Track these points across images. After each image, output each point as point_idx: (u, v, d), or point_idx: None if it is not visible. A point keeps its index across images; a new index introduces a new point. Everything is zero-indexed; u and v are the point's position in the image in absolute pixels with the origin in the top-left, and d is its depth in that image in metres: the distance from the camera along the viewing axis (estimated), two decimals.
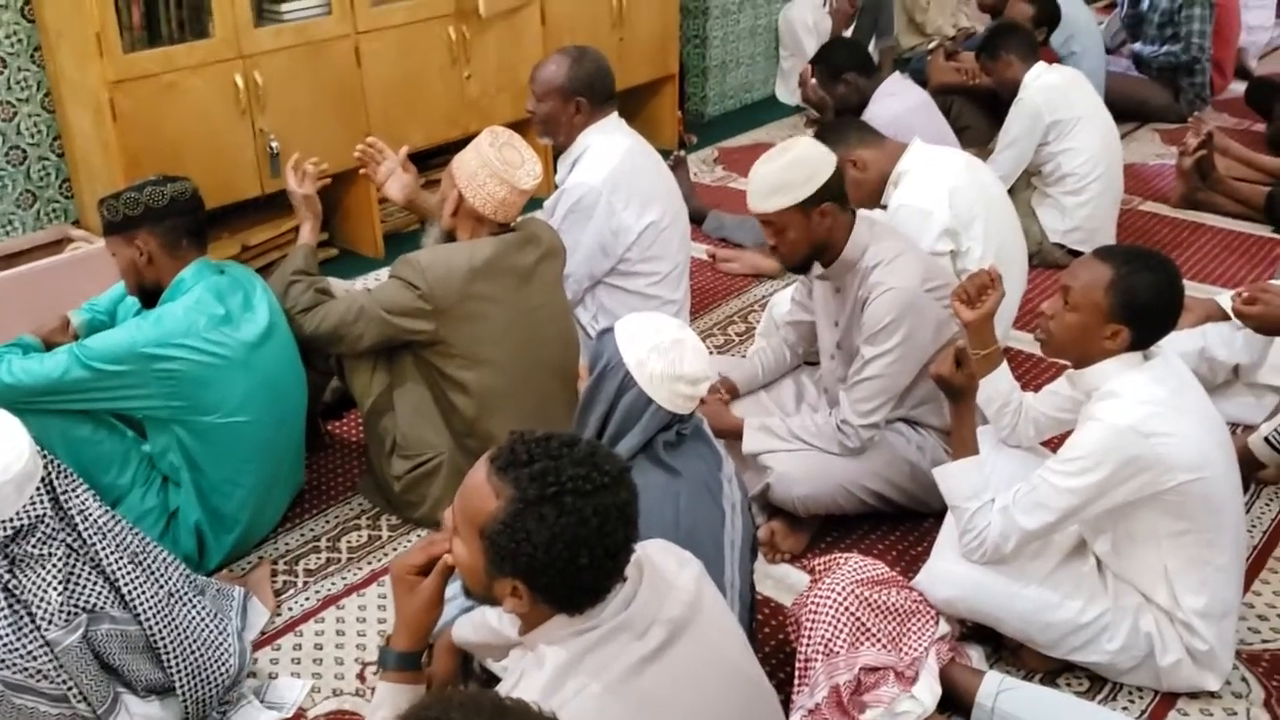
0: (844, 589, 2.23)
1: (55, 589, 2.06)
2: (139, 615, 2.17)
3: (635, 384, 2.05)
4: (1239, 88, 6.16)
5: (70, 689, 2.08)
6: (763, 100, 6.49)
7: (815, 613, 2.22)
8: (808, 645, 2.21)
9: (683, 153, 4.97)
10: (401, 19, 4.30)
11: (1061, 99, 4.20)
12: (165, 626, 2.19)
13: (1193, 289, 2.52)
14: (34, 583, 2.05)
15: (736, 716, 1.67)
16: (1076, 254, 3.86)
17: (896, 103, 4.09)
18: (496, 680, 2.07)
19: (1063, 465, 2.21)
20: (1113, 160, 4.26)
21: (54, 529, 2.08)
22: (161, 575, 2.24)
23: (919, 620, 2.27)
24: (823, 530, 2.85)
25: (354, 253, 4.53)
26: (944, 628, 2.31)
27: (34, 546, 2.05)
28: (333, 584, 2.74)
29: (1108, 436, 2.16)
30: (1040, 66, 4.28)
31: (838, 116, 4.15)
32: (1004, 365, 2.60)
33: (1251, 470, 2.94)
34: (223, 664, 2.29)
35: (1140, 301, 2.20)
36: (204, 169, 3.57)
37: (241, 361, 2.60)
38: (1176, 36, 5.78)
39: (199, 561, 2.68)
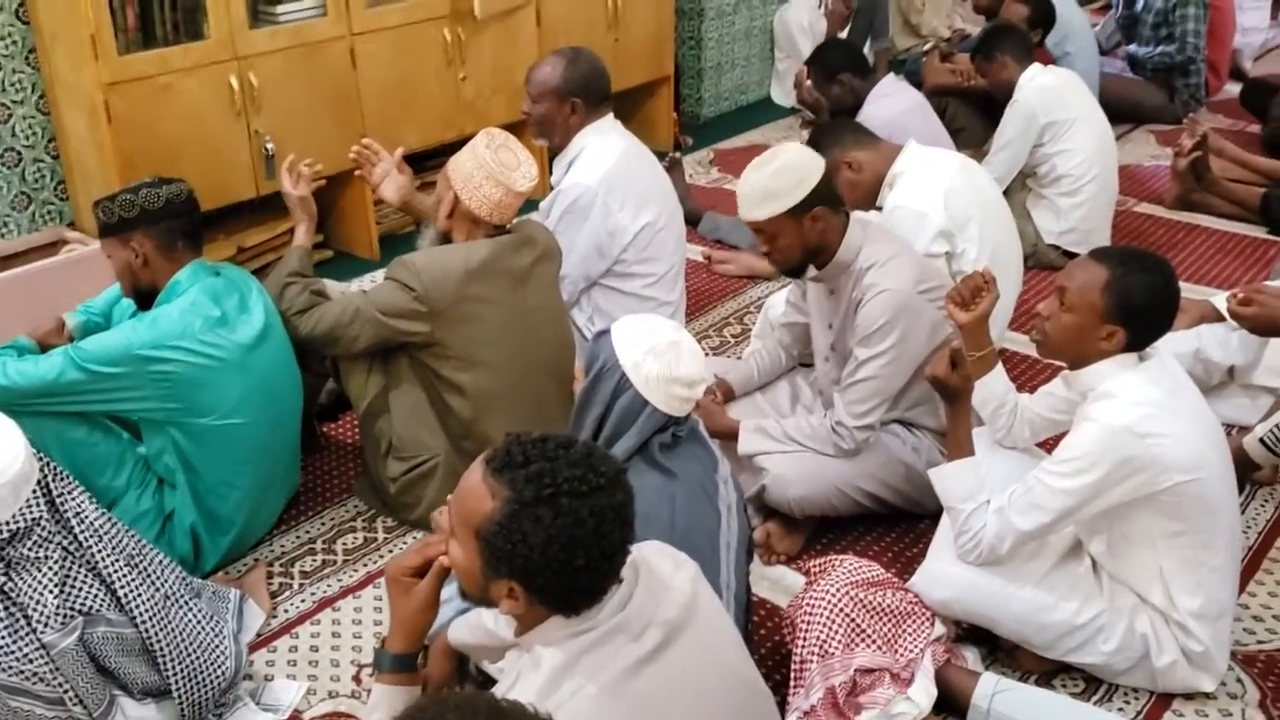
0: (839, 590, 2.24)
1: (51, 592, 2.06)
2: (135, 618, 2.16)
3: (631, 386, 2.05)
4: (1234, 89, 6.17)
5: (66, 692, 2.08)
6: (758, 102, 6.49)
7: (810, 614, 2.23)
8: (803, 647, 2.21)
9: (678, 154, 4.98)
10: (396, 21, 4.30)
11: (1056, 100, 4.20)
12: (161, 629, 2.19)
13: (1188, 290, 2.52)
14: (30, 586, 2.05)
15: (732, 718, 1.67)
16: (1072, 255, 3.87)
17: (892, 104, 4.10)
18: (493, 682, 2.07)
19: (1058, 466, 2.21)
20: (1108, 162, 4.27)
21: (50, 532, 2.07)
22: (157, 578, 2.24)
23: (914, 622, 2.28)
24: (818, 532, 2.86)
25: (349, 254, 4.52)
26: (940, 629, 2.31)
27: (30, 549, 2.05)
28: (328, 586, 2.74)
29: (1103, 437, 2.16)
30: (1035, 68, 4.28)
31: (833, 118, 4.16)
32: (999, 367, 2.60)
33: (1246, 471, 2.95)
34: (219, 666, 2.29)
35: (1136, 303, 2.20)
36: (199, 171, 3.56)
37: (237, 363, 2.60)
38: (1171, 37, 5.80)
39: (194, 564, 2.68)
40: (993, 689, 2.24)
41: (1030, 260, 4.06)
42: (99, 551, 2.13)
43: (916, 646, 2.25)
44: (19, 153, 3.88)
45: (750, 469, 2.78)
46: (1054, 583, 2.31)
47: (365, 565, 2.80)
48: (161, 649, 2.20)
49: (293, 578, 2.77)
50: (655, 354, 2.05)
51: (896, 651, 2.23)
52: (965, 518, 2.31)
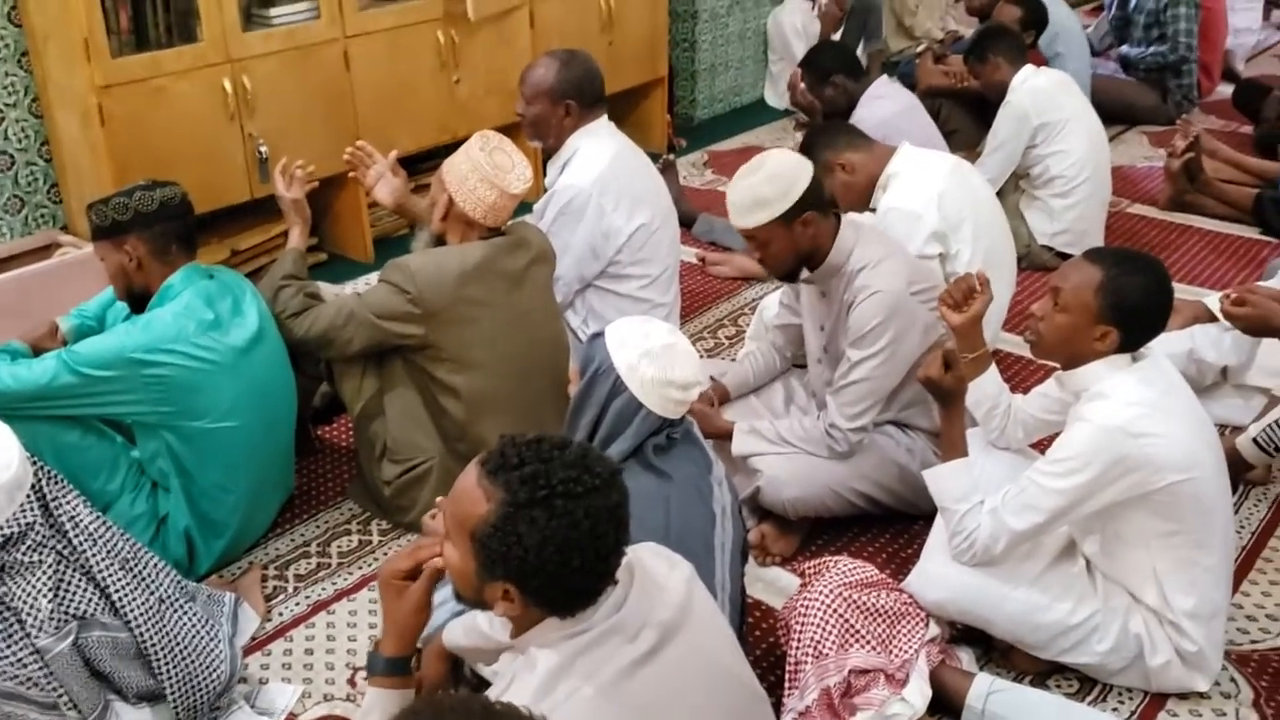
0: (832, 591, 2.24)
1: (45, 596, 2.05)
2: (129, 622, 2.16)
3: (626, 389, 2.06)
4: (1226, 90, 6.18)
5: (60, 696, 2.08)
6: (752, 104, 6.50)
7: (804, 615, 2.23)
8: (797, 648, 2.21)
9: (672, 156, 4.97)
10: (390, 23, 4.30)
11: (1049, 101, 4.21)
12: (156, 633, 2.19)
13: (1181, 291, 2.53)
14: (24, 590, 2.04)
15: (727, 719, 1.67)
16: (1065, 256, 3.87)
17: (885, 106, 4.10)
18: (487, 685, 2.07)
19: (1051, 466, 2.22)
20: (1100, 162, 4.28)
21: (44, 536, 2.07)
22: (152, 581, 2.24)
23: (909, 622, 2.28)
24: (813, 533, 2.86)
25: (343, 257, 4.52)
26: (934, 630, 2.31)
27: (24, 554, 2.04)
28: (323, 589, 2.74)
29: (1096, 437, 2.17)
30: (1028, 69, 4.29)
31: (826, 120, 4.16)
32: (993, 368, 2.60)
33: (1240, 471, 2.95)
34: (213, 670, 2.28)
35: (1130, 303, 2.20)
36: (193, 174, 3.55)
37: (231, 366, 2.60)
38: (1163, 37, 5.81)
39: (189, 567, 2.67)
40: (987, 689, 2.25)
41: (1024, 261, 4.07)
42: (93, 556, 2.12)
43: (911, 647, 2.25)
44: (11, 156, 3.88)
45: (745, 471, 2.79)
46: (1048, 583, 2.32)
47: (360, 568, 2.80)
48: (156, 653, 2.19)
49: (287, 581, 2.77)
50: (650, 357, 2.05)
51: (891, 652, 2.24)
52: (960, 518, 2.31)
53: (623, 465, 2.02)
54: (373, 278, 3.85)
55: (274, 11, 3.99)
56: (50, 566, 2.07)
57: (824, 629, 2.20)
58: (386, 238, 4.60)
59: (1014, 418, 2.61)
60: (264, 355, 2.70)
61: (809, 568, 2.37)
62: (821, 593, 2.24)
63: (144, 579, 2.21)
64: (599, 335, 2.13)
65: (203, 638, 2.29)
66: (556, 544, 1.48)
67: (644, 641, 1.56)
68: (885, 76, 4.39)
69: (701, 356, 3.39)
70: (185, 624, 2.27)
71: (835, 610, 2.22)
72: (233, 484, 2.67)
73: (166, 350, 2.51)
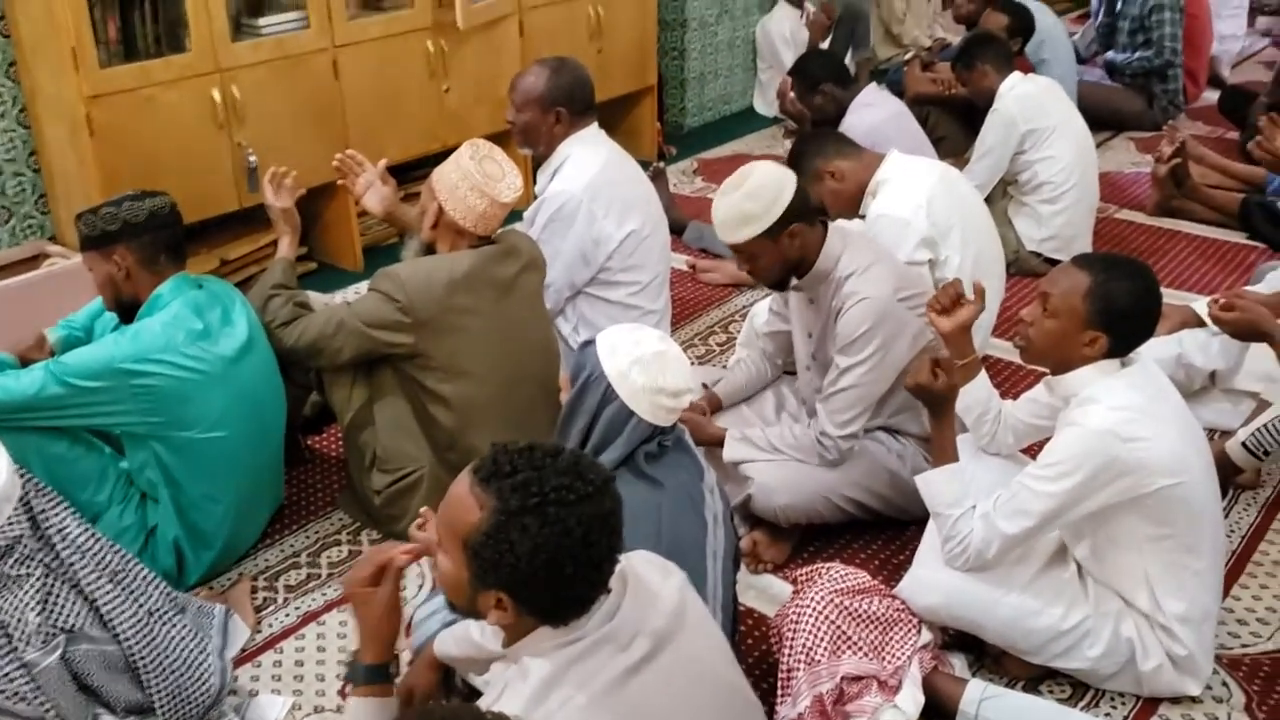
0: (824, 598, 2.24)
1: (33, 610, 2.04)
2: (118, 634, 2.15)
3: (617, 396, 2.05)
4: (1212, 96, 6.21)
5: (48, 711, 2.07)
6: (741, 112, 6.51)
7: (796, 622, 2.23)
8: (789, 655, 2.21)
9: (662, 164, 4.99)
10: (379, 32, 4.30)
11: (1036, 108, 4.23)
12: (145, 645, 2.18)
13: (1169, 296, 2.53)
14: (11, 604, 2.03)
15: None
16: (1053, 262, 3.88)
17: (874, 113, 4.11)
18: (478, 695, 2.06)
19: (1042, 470, 2.22)
20: (1088, 168, 4.29)
21: (32, 549, 2.06)
22: (141, 593, 2.23)
23: (901, 629, 2.28)
24: (805, 540, 2.86)
25: (333, 266, 4.51)
26: (926, 636, 2.31)
27: (11, 568, 2.03)
28: (313, 600, 2.73)
29: (1086, 440, 2.17)
30: (1015, 76, 4.31)
31: (815, 128, 4.17)
32: (982, 374, 2.61)
33: (1229, 475, 2.96)
34: (203, 683, 2.27)
35: (1118, 308, 2.21)
36: (182, 183, 3.54)
37: (220, 376, 2.59)
38: (1149, 42, 5.84)
39: (178, 578, 2.66)
40: (980, 695, 2.24)
41: (1012, 267, 4.08)
42: (81, 568, 2.11)
43: (903, 653, 2.25)
44: None
45: (736, 478, 2.78)
46: (1040, 588, 2.32)
47: None
48: (145, 666, 2.18)
49: (277, 592, 2.76)
50: (641, 364, 2.05)
51: (883, 659, 2.23)
52: (952, 523, 2.31)
53: (614, 473, 2.02)
54: (362, 286, 3.84)
55: (263, 21, 3.99)
56: (38, 579, 2.06)
57: (816, 636, 2.20)
58: (376, 246, 4.59)
59: (1004, 423, 2.62)
60: (253, 365, 2.69)
61: (801, 575, 2.36)
62: (813, 600, 2.24)
63: (133, 591, 2.20)
64: (590, 343, 2.13)
65: (192, 650, 2.28)
66: (549, 552, 1.47)
67: (637, 650, 1.56)
68: (874, 84, 4.40)
69: (692, 363, 3.39)
70: (174, 636, 2.25)
71: (827, 617, 2.22)
72: (222, 494, 2.66)
73: (155, 360, 2.50)
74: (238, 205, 4.02)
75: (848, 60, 6.12)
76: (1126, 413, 2.17)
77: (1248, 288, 3.49)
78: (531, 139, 3.33)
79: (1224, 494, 2.64)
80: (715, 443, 2.81)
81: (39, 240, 3.94)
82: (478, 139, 2.80)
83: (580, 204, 3.21)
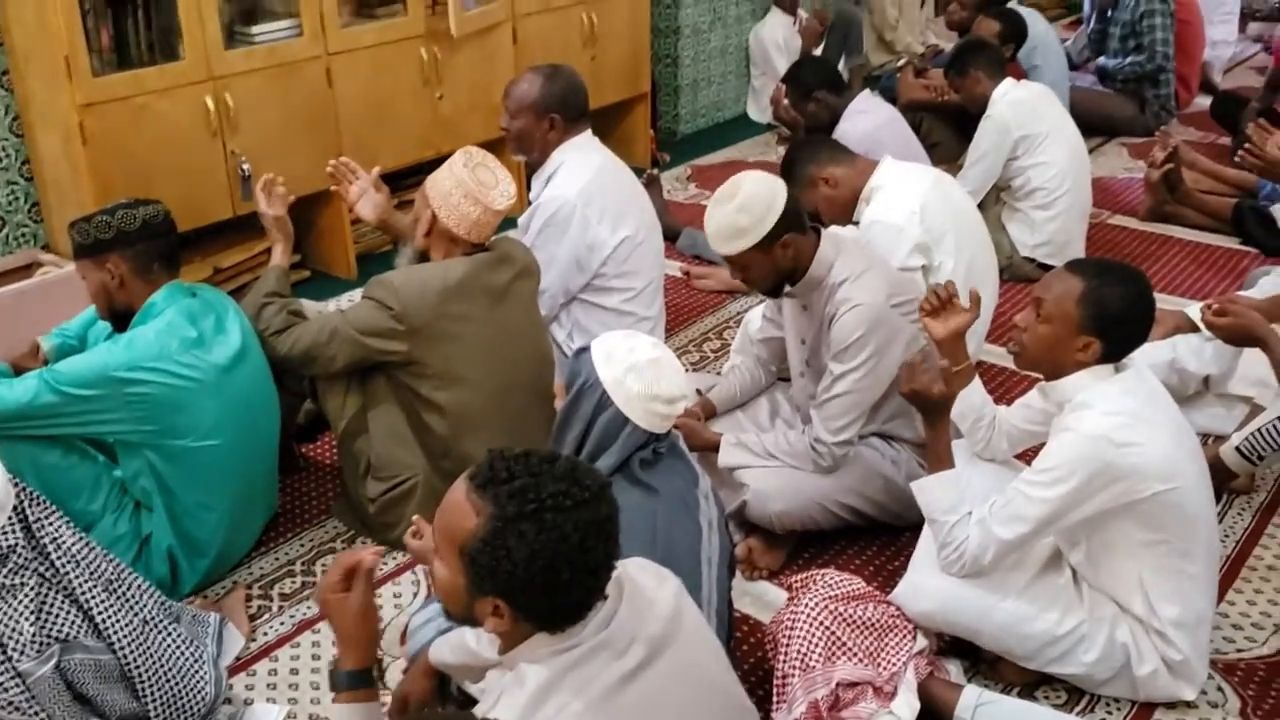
0: (818, 605, 2.24)
1: (27, 619, 2.04)
2: (113, 644, 2.14)
3: (612, 403, 2.05)
4: (1204, 102, 6.24)
5: None
6: (734, 118, 6.53)
7: (790, 629, 2.23)
8: (784, 662, 2.21)
9: (656, 171, 4.99)
10: (373, 40, 4.30)
11: (1029, 114, 4.24)
12: (140, 655, 2.17)
13: (1162, 301, 2.54)
14: (5, 614, 2.03)
15: None
16: (1047, 267, 3.90)
17: (867, 120, 4.12)
18: (474, 703, 2.06)
19: (1037, 476, 2.22)
20: (1080, 174, 4.30)
21: (26, 559, 2.05)
22: (136, 603, 2.22)
23: (896, 635, 2.28)
24: (800, 546, 2.86)
25: (327, 274, 4.51)
26: (922, 642, 2.31)
27: (5, 577, 2.03)
28: (308, 608, 2.72)
29: (1081, 446, 2.18)
30: (1008, 82, 4.32)
31: (809, 134, 4.18)
32: (976, 380, 2.61)
33: (1223, 480, 2.97)
34: (198, 691, 2.27)
35: (1111, 313, 2.22)
36: (175, 192, 3.55)
37: (214, 384, 2.58)
38: (1140, 47, 5.86)
39: (172, 587, 2.65)
40: (975, 701, 2.24)
41: (1005, 273, 4.09)
42: (76, 577, 2.11)
43: (898, 659, 2.25)
44: None
45: (731, 484, 2.78)
46: (1035, 594, 2.32)
47: None
48: (140, 675, 2.17)
49: (272, 600, 2.75)
50: (636, 371, 2.05)
51: (878, 665, 2.23)
52: (948, 530, 2.31)
53: (609, 480, 2.02)
54: (356, 294, 3.84)
55: (256, 29, 3.99)
56: (32, 589, 2.06)
57: (810, 642, 2.20)
58: (370, 254, 4.59)
59: (998, 429, 2.62)
60: (247, 373, 2.69)
61: (796, 581, 2.36)
62: (808, 606, 2.24)
63: (127, 600, 2.20)
64: (585, 350, 2.13)
65: (187, 659, 2.27)
66: (546, 558, 1.47)
67: (633, 656, 1.56)
68: (867, 91, 4.42)
69: (687, 370, 3.39)
70: (169, 645, 2.25)
71: (821, 623, 2.22)
72: (216, 503, 2.65)
73: (149, 369, 2.49)
74: (231, 213, 4.02)
75: (841, 67, 6.13)
76: (1120, 418, 2.18)
77: (1240, 293, 3.50)
78: (526, 146, 3.34)
79: (1218, 499, 2.64)
80: (710, 448, 2.81)
81: (32, 249, 3.94)
82: (471, 146, 2.80)
83: (574, 210, 3.21)
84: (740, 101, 6.57)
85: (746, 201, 2.59)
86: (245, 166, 3.93)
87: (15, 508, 2.05)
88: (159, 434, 2.54)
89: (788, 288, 2.77)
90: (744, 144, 6.10)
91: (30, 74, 3.68)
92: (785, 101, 4.33)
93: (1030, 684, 2.42)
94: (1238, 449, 2.96)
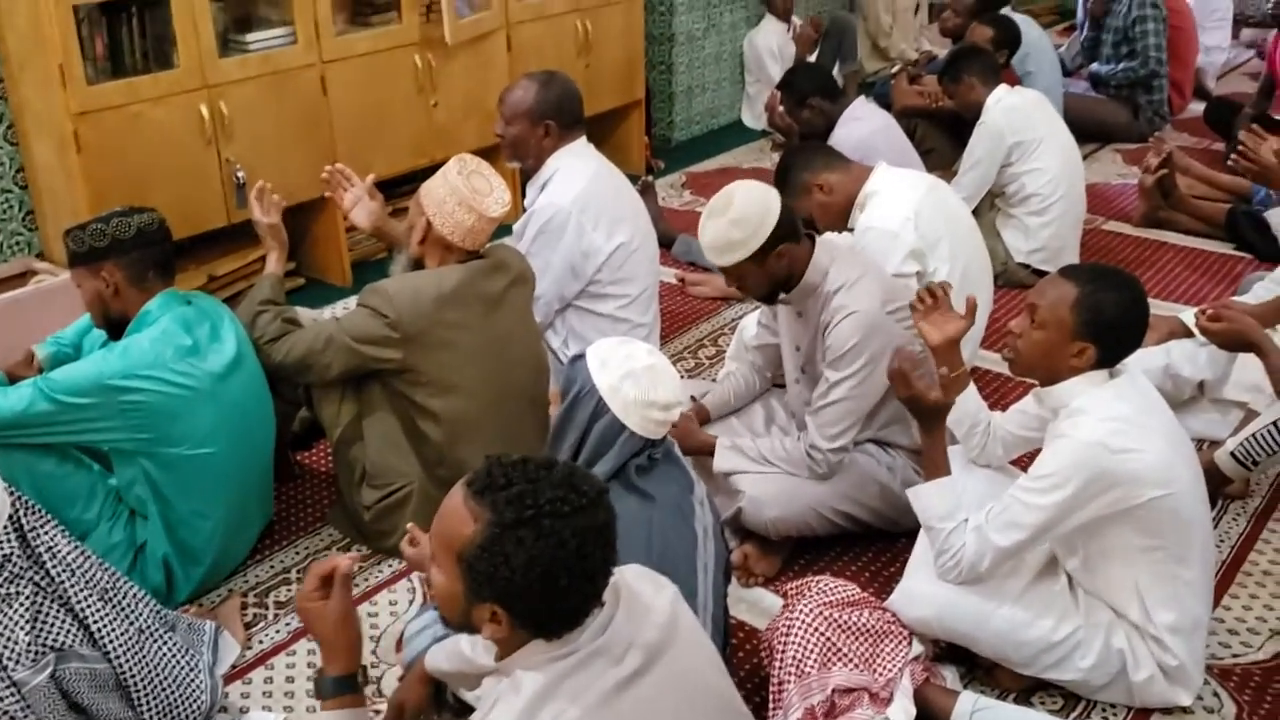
0: (813, 611, 2.24)
1: (23, 628, 2.03)
2: (108, 653, 2.14)
3: (609, 411, 2.05)
4: (1198, 108, 6.25)
5: None
6: (729, 125, 6.53)
7: (786, 635, 2.23)
8: (780, 668, 2.21)
9: (650, 178, 5.00)
10: (367, 48, 4.30)
11: (1023, 120, 4.25)
12: (135, 664, 2.17)
13: (1156, 306, 2.55)
14: (1, 623, 2.02)
15: None
16: (1041, 273, 3.90)
17: (862, 127, 4.13)
18: (470, 710, 2.05)
19: (1033, 483, 2.22)
20: (1075, 180, 4.31)
21: (21, 568, 2.05)
22: (131, 611, 2.22)
23: (892, 641, 2.28)
24: (796, 553, 2.86)
25: (322, 281, 4.51)
26: (918, 648, 2.31)
27: (1, 586, 2.02)
28: None
29: (1077, 452, 2.18)
30: (1002, 89, 4.33)
31: (804, 141, 4.19)
32: (971, 387, 2.61)
33: (1218, 485, 2.97)
34: (194, 700, 2.26)
35: (1106, 319, 2.22)
36: (170, 199, 3.55)
37: (209, 392, 2.58)
38: (1133, 53, 5.88)
39: (167, 595, 2.65)
40: (971, 707, 2.24)
41: (1000, 279, 4.10)
42: (71, 586, 2.10)
43: (894, 666, 2.25)
44: None
45: (726, 491, 2.78)
46: (1031, 600, 2.32)
47: None
48: (135, 684, 2.17)
49: (267, 608, 2.75)
50: (632, 378, 2.05)
51: (874, 671, 2.23)
52: (945, 537, 2.31)
53: (607, 486, 2.02)
54: (351, 302, 3.84)
55: (250, 37, 3.99)
56: (27, 598, 2.05)
57: (805, 648, 2.20)
58: (364, 261, 4.59)
59: (993, 435, 2.62)
60: (242, 381, 2.68)
61: (790, 590, 2.36)
62: (803, 612, 2.24)
63: (123, 609, 2.19)
64: (580, 358, 2.13)
65: (182, 667, 2.27)
66: (544, 564, 1.47)
67: (630, 663, 1.56)
68: (862, 97, 4.42)
69: (682, 377, 3.39)
70: (165, 654, 2.24)
71: (816, 629, 2.22)
72: (211, 511, 2.65)
73: (144, 376, 2.49)
74: (226, 221, 4.02)
75: (835, 73, 6.14)
76: (1116, 424, 2.18)
77: (1235, 298, 3.51)
78: (520, 152, 3.34)
79: (1213, 504, 2.64)
80: (705, 451, 2.81)
81: (27, 257, 3.93)
82: (465, 154, 2.80)
83: (569, 216, 3.21)
84: (735, 108, 6.58)
85: (740, 214, 2.59)
86: (240, 174, 3.93)
87: (11, 516, 2.05)
88: (154, 442, 2.54)
89: (783, 295, 2.77)
90: (738, 150, 6.11)
91: (24, 82, 3.68)
92: (780, 108, 4.34)
93: (1026, 690, 2.42)
94: (1232, 454, 2.96)
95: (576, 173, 3.28)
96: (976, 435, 2.62)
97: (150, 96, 3.71)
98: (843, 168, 3.33)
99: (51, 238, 3.87)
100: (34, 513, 2.12)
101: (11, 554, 2.03)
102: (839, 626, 2.24)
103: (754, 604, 2.72)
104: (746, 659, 2.55)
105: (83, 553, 2.18)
